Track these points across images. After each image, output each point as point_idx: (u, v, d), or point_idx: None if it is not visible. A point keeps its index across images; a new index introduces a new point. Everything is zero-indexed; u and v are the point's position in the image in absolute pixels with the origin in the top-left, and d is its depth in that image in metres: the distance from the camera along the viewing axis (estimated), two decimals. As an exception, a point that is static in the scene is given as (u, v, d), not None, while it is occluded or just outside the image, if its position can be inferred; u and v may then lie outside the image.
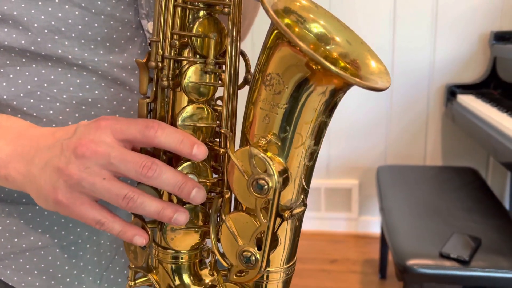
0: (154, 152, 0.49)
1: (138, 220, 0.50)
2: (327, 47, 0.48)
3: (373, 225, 2.40)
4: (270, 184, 0.42)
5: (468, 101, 1.98)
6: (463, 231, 1.43)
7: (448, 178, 1.88)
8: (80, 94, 0.55)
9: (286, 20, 0.48)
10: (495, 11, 2.13)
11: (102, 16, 0.54)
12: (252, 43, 2.17)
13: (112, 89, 0.57)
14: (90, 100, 0.56)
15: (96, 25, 0.54)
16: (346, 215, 2.43)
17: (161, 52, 0.48)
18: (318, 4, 0.49)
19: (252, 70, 0.50)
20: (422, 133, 2.31)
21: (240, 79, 0.50)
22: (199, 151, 0.46)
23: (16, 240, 0.57)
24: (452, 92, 2.13)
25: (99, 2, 0.53)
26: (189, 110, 0.48)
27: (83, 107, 0.56)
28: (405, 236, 1.45)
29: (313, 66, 0.41)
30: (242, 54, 0.50)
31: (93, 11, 0.53)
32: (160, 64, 0.48)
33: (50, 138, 0.49)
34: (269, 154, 0.44)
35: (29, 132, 0.51)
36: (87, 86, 0.55)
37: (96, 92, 0.56)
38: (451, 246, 1.35)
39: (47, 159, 0.47)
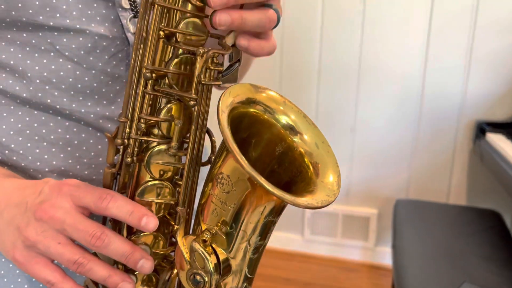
0: None
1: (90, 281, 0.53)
2: (295, 139, 0.48)
3: (389, 257, 2.34)
4: (206, 280, 0.44)
5: (497, 140, 1.91)
6: (475, 281, 1.35)
7: (469, 220, 1.79)
8: (67, 136, 0.58)
9: (252, 109, 0.48)
10: (532, 51, 2.05)
11: (93, 71, 0.57)
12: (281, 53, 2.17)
13: (98, 134, 0.59)
14: (76, 142, 0.59)
15: (86, 79, 0.56)
16: (362, 243, 2.39)
17: (127, 131, 0.50)
18: (286, 98, 0.49)
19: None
20: (448, 167, 2.24)
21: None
22: (148, 223, 0.48)
23: None
24: (481, 129, 2.06)
25: (91, 58, 0.56)
26: (148, 186, 0.51)
27: (69, 149, 0.58)
28: (413, 279, 1.40)
29: (255, 182, 0.42)
30: (209, 133, 0.52)
31: (84, 66, 0.56)
32: (126, 142, 0.50)
33: (19, 195, 0.52)
34: (212, 246, 0.45)
35: (5, 184, 0.54)
36: (75, 129, 0.58)
37: (83, 135, 0.59)
38: (460, 298, 1.28)
39: (12, 216, 0.50)
